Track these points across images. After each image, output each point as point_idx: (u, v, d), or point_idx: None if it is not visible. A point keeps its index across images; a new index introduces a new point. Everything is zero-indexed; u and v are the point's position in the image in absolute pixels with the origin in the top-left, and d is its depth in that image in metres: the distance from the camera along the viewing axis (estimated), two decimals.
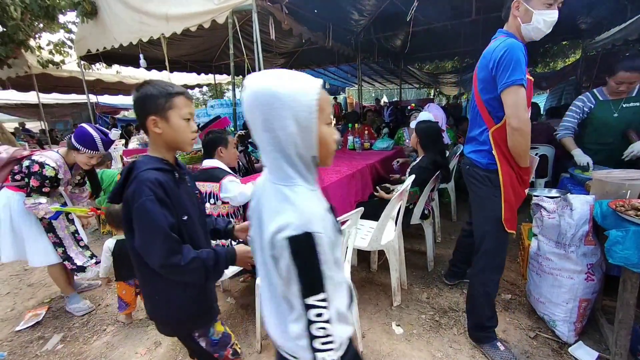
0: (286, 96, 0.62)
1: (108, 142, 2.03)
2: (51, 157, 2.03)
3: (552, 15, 1.39)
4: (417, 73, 10.20)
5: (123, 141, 8.44)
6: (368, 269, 2.66)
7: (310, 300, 0.65)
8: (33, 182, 1.96)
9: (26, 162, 2.00)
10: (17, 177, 2.04)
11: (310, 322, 0.65)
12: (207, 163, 2.04)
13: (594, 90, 2.29)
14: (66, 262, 2.23)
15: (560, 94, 7.51)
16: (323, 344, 0.66)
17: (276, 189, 0.69)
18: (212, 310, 1.23)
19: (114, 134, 2.07)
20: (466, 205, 3.86)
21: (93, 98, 9.32)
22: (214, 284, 1.30)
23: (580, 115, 2.29)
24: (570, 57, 9.89)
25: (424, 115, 2.59)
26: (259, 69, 3.69)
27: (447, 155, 2.76)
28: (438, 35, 6.30)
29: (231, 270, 1.94)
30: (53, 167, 2.00)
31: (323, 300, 0.65)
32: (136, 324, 2.19)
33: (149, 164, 1.00)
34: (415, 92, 17.18)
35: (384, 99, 14.99)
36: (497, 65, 1.41)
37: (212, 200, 1.94)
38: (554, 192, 2.17)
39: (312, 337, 0.66)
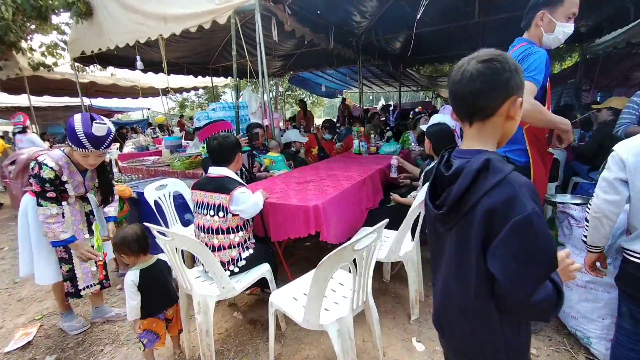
0: None
1: (98, 139, 1.74)
2: (52, 156, 1.80)
3: (570, 28, 1.54)
4: (415, 76, 10.17)
5: (117, 145, 8.25)
6: (381, 279, 2.54)
7: None
8: (35, 187, 1.77)
9: (32, 164, 1.80)
10: (31, 180, 1.83)
11: None
12: (216, 171, 1.90)
13: None
14: (66, 283, 2.00)
15: (559, 97, 7.51)
16: None
17: None
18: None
19: (96, 127, 1.71)
20: None
21: (87, 101, 9.10)
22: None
23: (638, 112, 2.20)
24: (566, 61, 9.96)
25: (437, 118, 2.49)
26: (262, 71, 3.58)
27: None
28: (439, 38, 6.27)
29: (243, 284, 1.81)
30: (51, 168, 1.75)
31: None
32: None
33: (505, 162, 0.73)
34: (410, 95, 17.20)
35: (382, 102, 14.96)
36: (520, 63, 1.49)
37: (221, 213, 1.80)
38: (578, 199, 2.07)
39: None
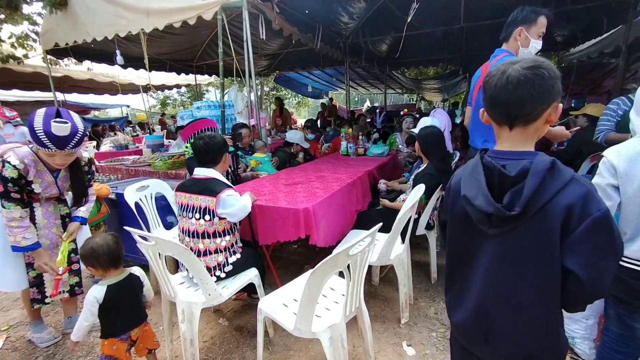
0: None
1: (60, 139, 1.56)
2: (18, 154, 1.65)
3: (540, 44, 1.82)
4: (400, 78, 10.30)
5: (94, 143, 7.88)
6: (369, 282, 2.52)
7: None
8: None
9: None
10: None
11: None
12: (201, 172, 1.81)
13: (629, 94, 2.30)
14: (32, 289, 1.86)
15: None
16: None
17: None
18: None
19: (56, 127, 1.52)
20: None
21: (60, 96, 8.65)
22: None
23: (616, 118, 2.28)
24: None
25: (426, 121, 2.50)
26: (249, 70, 3.50)
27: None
28: (424, 42, 6.37)
29: (230, 290, 1.74)
30: (14, 166, 1.60)
31: None
32: None
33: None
34: (395, 97, 17.46)
35: (367, 103, 15.08)
36: None
37: (207, 217, 1.71)
38: None
39: None
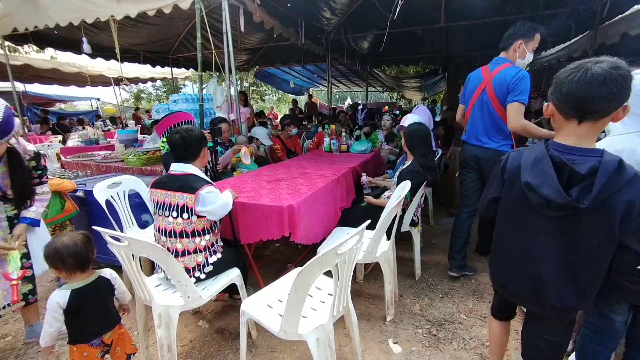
0: None
1: None
2: None
3: (532, 57, 2.07)
4: (381, 76, 10.40)
5: (59, 137, 7.38)
6: (354, 280, 2.50)
7: None
8: None
9: None
10: None
11: None
12: (178, 168, 1.70)
13: None
14: None
15: None
16: None
17: None
18: None
19: None
20: (442, 208, 3.94)
21: (20, 86, 8.03)
22: None
23: None
24: None
25: (413, 118, 2.50)
26: (229, 63, 3.37)
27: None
28: (405, 40, 6.42)
29: (210, 292, 1.65)
30: None
31: None
32: None
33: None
34: (375, 95, 17.62)
35: (348, 101, 15.12)
36: (514, 86, 1.98)
37: (185, 215, 1.61)
38: None
39: None
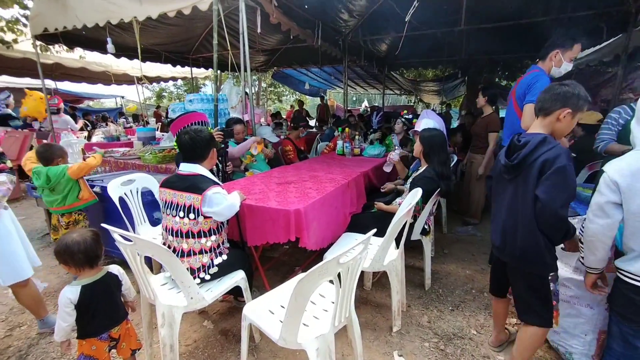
0: None
1: None
2: None
3: (570, 66, 2.05)
4: (399, 79, 10.23)
5: (85, 133, 7.69)
6: (361, 287, 2.45)
7: None
8: None
9: None
10: None
11: None
12: (187, 168, 1.71)
13: (631, 103, 2.24)
14: None
15: None
16: None
17: None
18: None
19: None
20: (457, 216, 3.81)
21: (51, 84, 8.42)
22: None
23: (617, 127, 2.22)
24: None
25: (428, 123, 2.42)
26: (245, 64, 3.39)
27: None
28: (424, 43, 6.29)
29: (214, 294, 1.65)
30: None
31: None
32: None
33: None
34: (393, 98, 17.39)
35: (365, 103, 15.00)
36: (532, 86, 2.02)
37: (191, 215, 1.62)
38: None
39: None
